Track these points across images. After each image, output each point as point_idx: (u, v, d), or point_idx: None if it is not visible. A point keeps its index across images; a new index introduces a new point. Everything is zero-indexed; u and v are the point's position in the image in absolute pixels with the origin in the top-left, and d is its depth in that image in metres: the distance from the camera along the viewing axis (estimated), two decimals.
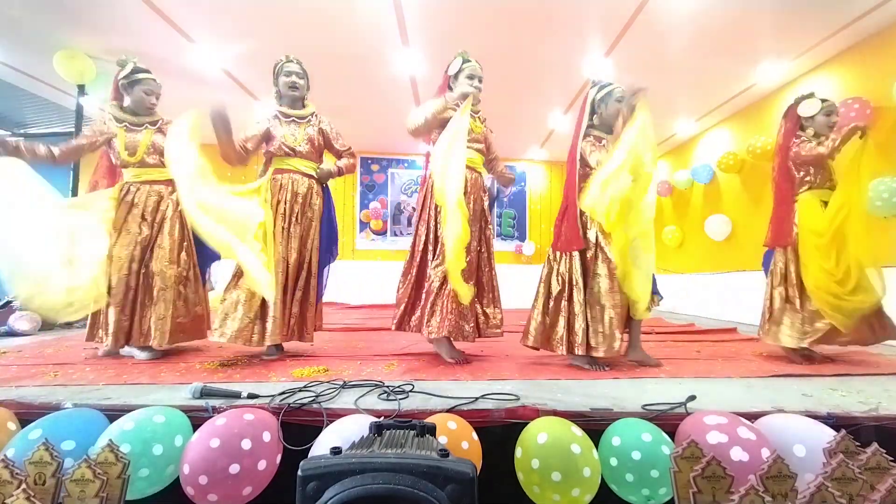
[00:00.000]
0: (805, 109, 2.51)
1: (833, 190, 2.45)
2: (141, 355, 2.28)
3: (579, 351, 2.12)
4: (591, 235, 2.23)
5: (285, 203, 2.38)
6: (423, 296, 2.29)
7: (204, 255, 2.53)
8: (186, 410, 1.33)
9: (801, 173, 2.49)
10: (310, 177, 2.49)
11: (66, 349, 2.50)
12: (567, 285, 2.21)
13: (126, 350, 2.36)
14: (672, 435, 1.28)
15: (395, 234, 7.32)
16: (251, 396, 1.48)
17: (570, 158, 2.34)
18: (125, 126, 2.47)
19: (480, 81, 2.43)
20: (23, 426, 1.24)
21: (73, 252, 2.10)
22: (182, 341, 2.40)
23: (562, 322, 2.20)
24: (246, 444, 1.15)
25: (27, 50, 3.97)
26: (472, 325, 2.28)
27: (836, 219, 2.30)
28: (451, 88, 2.42)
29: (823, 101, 2.50)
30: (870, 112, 3.46)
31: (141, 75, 2.51)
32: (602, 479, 1.21)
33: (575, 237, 2.22)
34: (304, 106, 2.55)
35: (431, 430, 0.95)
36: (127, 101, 2.54)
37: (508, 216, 7.55)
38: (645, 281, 2.13)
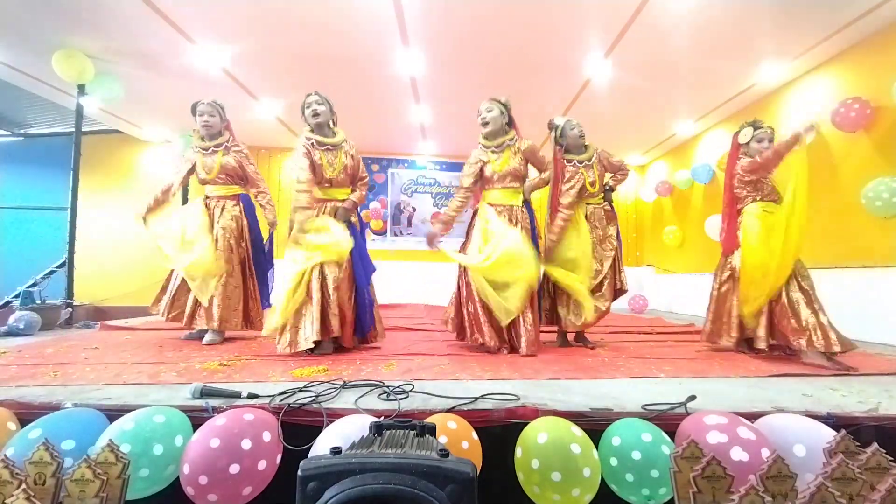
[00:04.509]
0: (741, 137, 2.74)
1: (777, 202, 2.61)
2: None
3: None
4: None
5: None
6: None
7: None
8: (186, 410, 1.33)
9: (746, 191, 2.68)
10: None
11: (66, 349, 2.50)
12: None
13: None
14: (672, 435, 1.27)
15: (395, 235, 7.33)
16: (251, 396, 1.48)
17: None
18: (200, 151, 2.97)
19: (488, 112, 2.67)
20: (23, 426, 1.24)
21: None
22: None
23: None
24: (246, 444, 1.15)
25: (27, 50, 3.97)
26: None
27: (779, 225, 2.44)
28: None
29: (758, 128, 2.68)
30: (869, 112, 3.47)
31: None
32: (602, 479, 1.21)
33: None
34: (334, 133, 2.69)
35: (431, 430, 0.95)
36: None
37: None
38: None
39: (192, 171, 2.94)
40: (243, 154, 2.95)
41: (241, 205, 2.98)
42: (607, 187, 2.98)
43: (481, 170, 2.71)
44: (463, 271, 2.71)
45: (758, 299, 2.47)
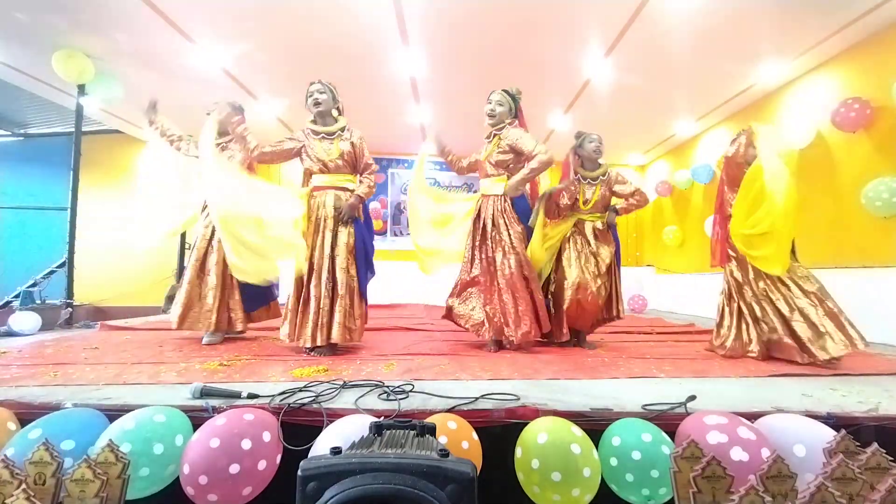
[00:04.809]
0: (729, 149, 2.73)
1: None
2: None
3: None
4: None
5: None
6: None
7: None
8: (186, 410, 1.33)
9: (732, 196, 2.64)
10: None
11: (66, 349, 2.50)
12: None
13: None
14: (672, 435, 1.28)
15: (396, 234, 7.33)
16: (251, 396, 1.48)
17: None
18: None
19: (499, 105, 2.71)
20: (23, 426, 1.24)
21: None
22: None
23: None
24: (246, 444, 1.15)
25: (27, 50, 3.97)
26: None
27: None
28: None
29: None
30: (869, 112, 3.46)
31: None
32: (602, 479, 1.21)
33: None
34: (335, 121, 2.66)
35: (431, 430, 0.95)
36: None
37: None
38: None
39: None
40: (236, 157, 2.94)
41: None
42: (612, 209, 2.91)
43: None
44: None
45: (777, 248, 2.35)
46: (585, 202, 2.85)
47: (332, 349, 2.45)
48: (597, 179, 2.87)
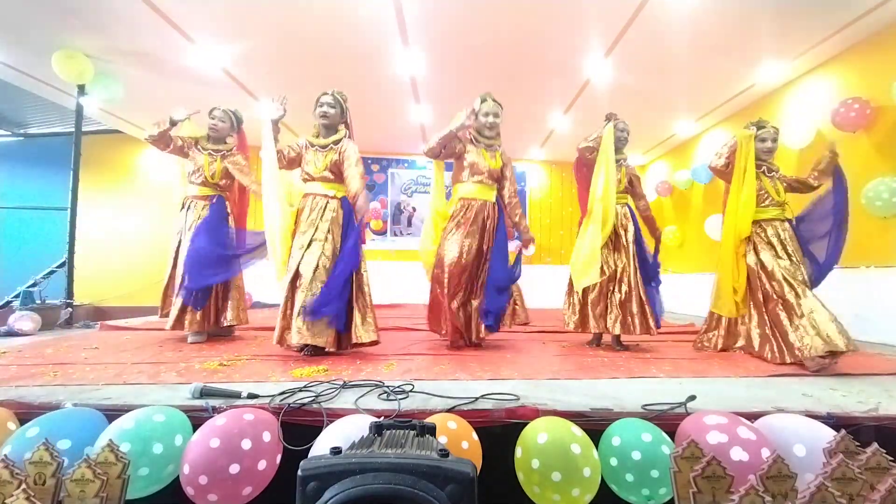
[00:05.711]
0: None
1: (775, 206, 2.75)
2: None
3: None
4: None
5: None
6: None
7: None
8: (186, 410, 1.33)
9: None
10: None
11: (66, 349, 2.50)
12: None
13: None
14: (672, 435, 1.28)
15: (395, 234, 7.32)
16: (251, 396, 1.48)
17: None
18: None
19: (496, 117, 2.76)
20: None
21: None
22: None
23: None
24: (246, 444, 1.15)
25: (27, 50, 3.97)
26: None
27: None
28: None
29: (761, 128, 2.72)
30: (869, 112, 3.46)
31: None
32: (602, 479, 1.21)
33: None
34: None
35: (431, 430, 0.95)
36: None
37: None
38: None
39: (180, 147, 2.98)
40: (239, 164, 3.00)
41: (210, 205, 2.98)
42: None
43: (460, 153, 2.76)
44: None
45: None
46: (618, 182, 2.92)
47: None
48: (618, 161, 2.94)
